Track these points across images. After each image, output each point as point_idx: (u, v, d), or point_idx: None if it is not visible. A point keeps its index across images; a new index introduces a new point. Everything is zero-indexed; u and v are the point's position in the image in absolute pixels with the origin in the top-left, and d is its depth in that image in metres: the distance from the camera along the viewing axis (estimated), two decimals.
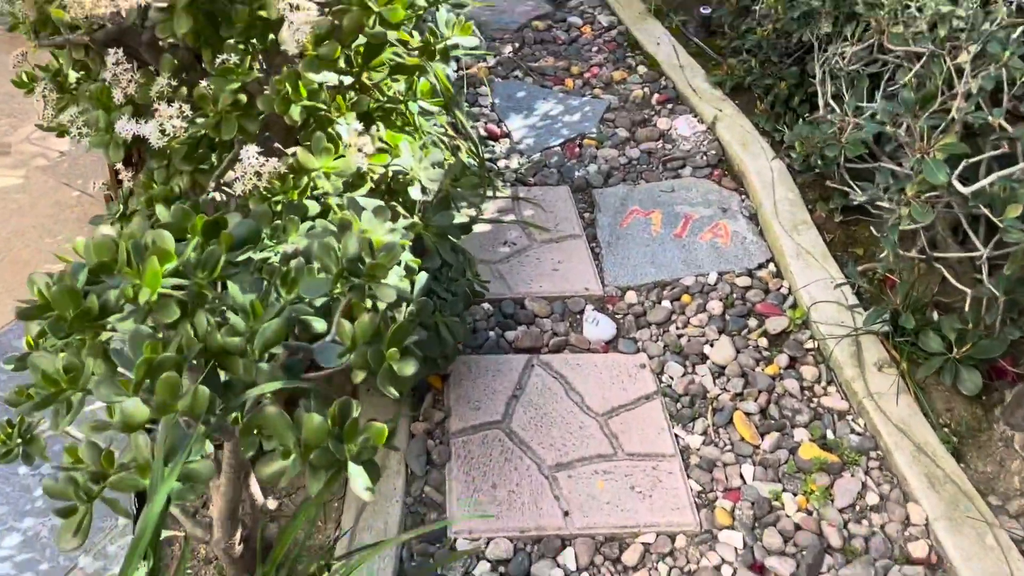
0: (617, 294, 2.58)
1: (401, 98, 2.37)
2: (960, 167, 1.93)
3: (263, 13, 1.68)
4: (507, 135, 3.23)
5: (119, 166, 2.00)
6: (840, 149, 2.36)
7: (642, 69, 3.54)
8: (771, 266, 2.65)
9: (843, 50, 2.55)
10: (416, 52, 2.12)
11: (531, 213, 2.85)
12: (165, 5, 1.54)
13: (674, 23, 3.70)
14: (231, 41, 1.71)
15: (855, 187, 2.41)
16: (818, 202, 2.78)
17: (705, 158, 3.07)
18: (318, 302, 1.46)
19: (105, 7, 1.48)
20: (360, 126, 1.89)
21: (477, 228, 2.78)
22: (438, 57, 2.16)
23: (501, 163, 3.09)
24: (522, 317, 2.49)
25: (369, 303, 1.44)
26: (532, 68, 3.56)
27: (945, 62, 2.05)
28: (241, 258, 1.43)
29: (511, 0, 3.99)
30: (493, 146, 3.16)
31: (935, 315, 2.30)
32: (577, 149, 3.15)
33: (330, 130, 1.86)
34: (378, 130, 2.24)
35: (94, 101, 1.68)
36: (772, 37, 3.06)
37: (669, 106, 3.33)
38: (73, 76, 1.86)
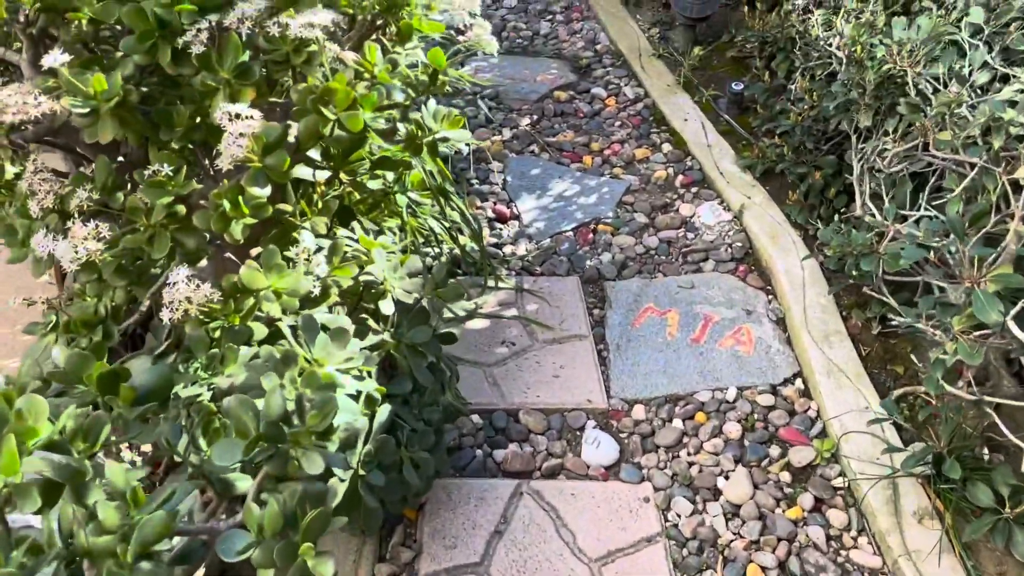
0: (623, 408, 2.32)
1: (388, 189, 2.17)
2: (1019, 306, 1.64)
3: (207, 118, 1.49)
4: (516, 217, 3.01)
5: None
6: (878, 261, 2.08)
7: (667, 147, 3.30)
8: (798, 382, 2.36)
9: (884, 147, 2.28)
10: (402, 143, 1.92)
11: (535, 308, 2.61)
12: (87, 110, 1.35)
13: (704, 98, 3.47)
14: (174, 144, 1.52)
15: (894, 305, 2.12)
16: (853, 309, 2.49)
17: (730, 251, 2.80)
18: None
19: (14, 114, 1.29)
20: (321, 235, 1.68)
21: (474, 324, 2.55)
22: (425, 151, 1.95)
23: (507, 249, 2.86)
24: (514, 433, 2.24)
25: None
26: (549, 143, 3.35)
27: (999, 177, 1.77)
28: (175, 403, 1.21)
29: (534, 67, 3.80)
30: (500, 229, 2.94)
31: (986, 453, 1.99)
32: (591, 235, 2.91)
33: (295, 234, 1.66)
34: (359, 227, 2.04)
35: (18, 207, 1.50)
36: (807, 122, 2.81)
37: (694, 190, 3.08)
38: (10, 171, 1.68)
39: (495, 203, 3.05)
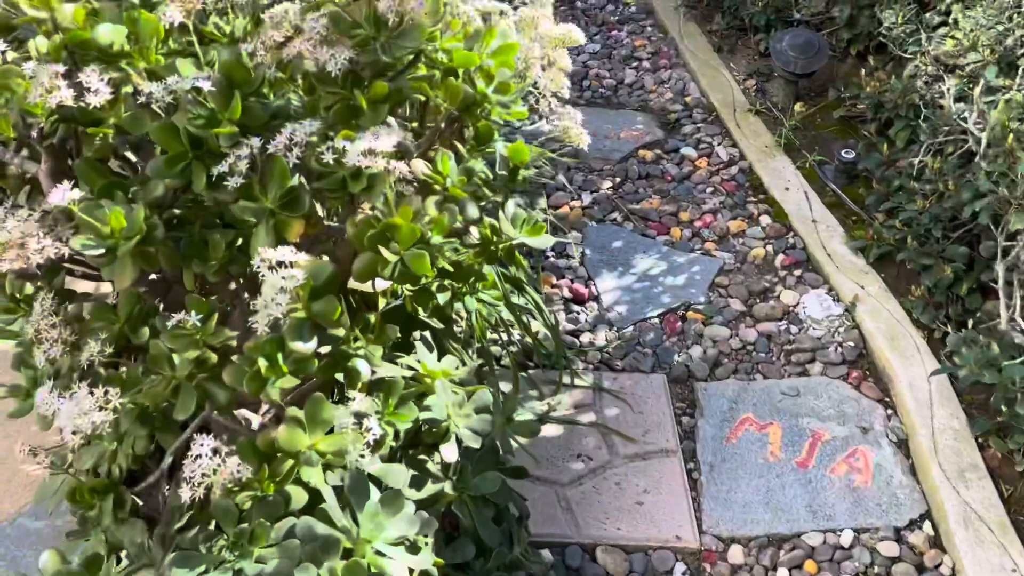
0: (718, 548, 2.00)
1: (456, 291, 1.91)
2: None
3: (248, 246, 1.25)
4: (596, 298, 2.72)
5: None
6: None
7: (765, 220, 2.97)
8: (927, 526, 2.01)
9: None
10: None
11: (615, 412, 2.31)
12: (102, 251, 1.12)
13: (808, 163, 3.13)
14: (212, 270, 1.28)
15: None
16: (992, 436, 2.12)
17: (840, 351, 2.46)
18: None
19: (12, 260, 1.07)
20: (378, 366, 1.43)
21: (546, 431, 2.27)
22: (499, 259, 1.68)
23: (585, 337, 2.57)
24: (589, 574, 1.94)
25: None
26: (633, 211, 3.05)
27: None
28: None
29: (617, 122, 3.51)
30: (577, 312, 2.65)
31: None
32: (679, 324, 2.60)
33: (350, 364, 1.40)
34: (421, 345, 1.78)
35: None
36: (934, 208, 2.45)
37: (797, 272, 2.74)
38: (29, 287, 1.47)
39: (572, 281, 2.76)
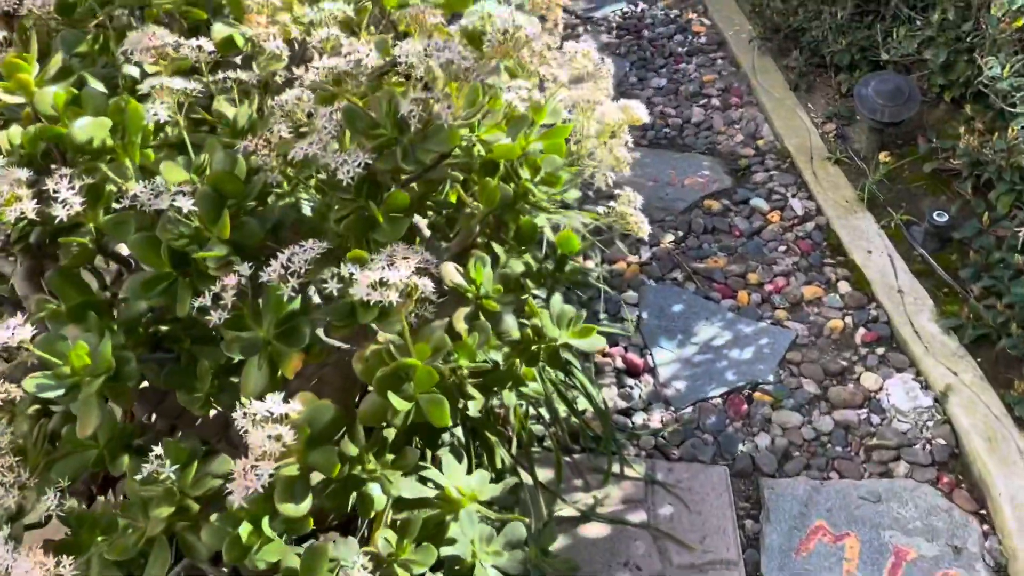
0: None
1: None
2: None
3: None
4: (651, 370, 2.48)
5: None
6: None
7: (844, 287, 2.69)
8: None
9: None
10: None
11: (670, 511, 2.07)
12: (61, 392, 0.94)
13: (894, 222, 2.83)
14: (198, 404, 1.10)
15: None
16: None
17: (929, 449, 2.17)
18: None
19: None
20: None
21: (590, 531, 2.04)
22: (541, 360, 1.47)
23: (638, 417, 2.33)
24: None
25: None
26: (696, 270, 2.80)
27: None
28: None
29: (682, 166, 3.27)
30: (630, 387, 2.42)
31: None
32: (745, 406, 2.35)
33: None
34: (443, 456, 1.57)
35: None
36: None
37: (879, 351, 2.46)
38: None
39: (626, 349, 2.53)
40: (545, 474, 2.00)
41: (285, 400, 0.92)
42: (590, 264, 2.61)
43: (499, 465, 1.82)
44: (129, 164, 1.03)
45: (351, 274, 0.95)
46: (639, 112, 1.41)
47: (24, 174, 0.94)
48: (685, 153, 3.38)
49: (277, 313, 0.97)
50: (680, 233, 2.96)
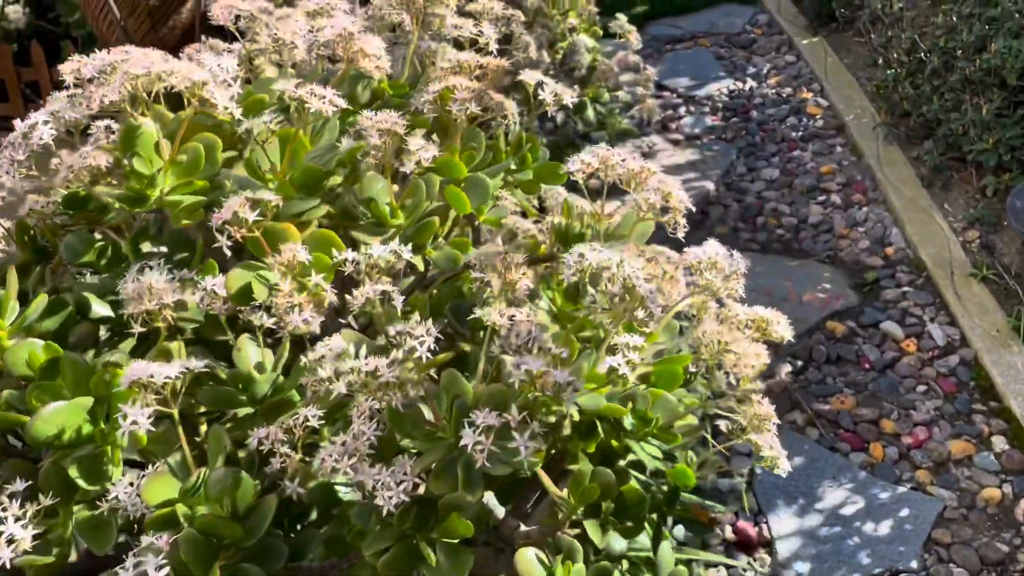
0: None
1: None
2: None
3: None
4: (768, 544, 2.11)
5: None
6: None
7: (999, 443, 2.26)
8: None
9: None
10: None
11: None
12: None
13: None
14: None
15: None
16: None
17: None
18: None
19: None
20: None
21: None
22: None
23: None
24: None
25: None
26: (819, 412, 2.42)
27: None
28: None
29: (798, 277, 2.90)
30: (744, 569, 2.05)
31: None
32: None
33: None
34: None
35: None
36: None
37: None
38: None
39: (736, 514, 2.17)
40: None
41: None
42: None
43: None
44: (110, 457, 0.79)
45: None
46: (781, 330, 1.10)
47: None
48: (802, 261, 3.00)
49: None
50: (799, 363, 2.58)
